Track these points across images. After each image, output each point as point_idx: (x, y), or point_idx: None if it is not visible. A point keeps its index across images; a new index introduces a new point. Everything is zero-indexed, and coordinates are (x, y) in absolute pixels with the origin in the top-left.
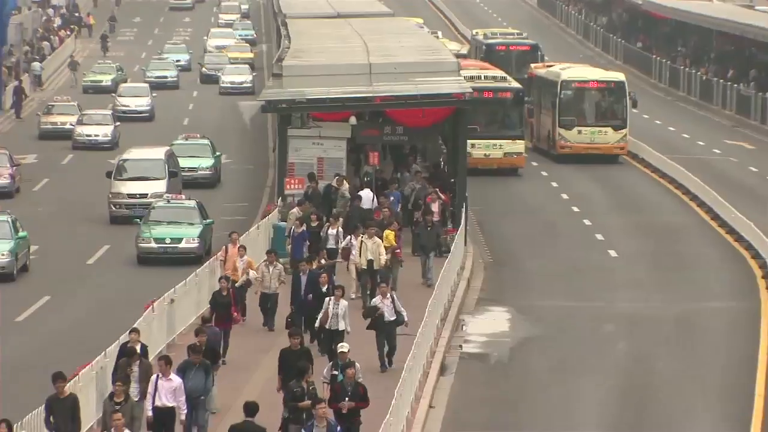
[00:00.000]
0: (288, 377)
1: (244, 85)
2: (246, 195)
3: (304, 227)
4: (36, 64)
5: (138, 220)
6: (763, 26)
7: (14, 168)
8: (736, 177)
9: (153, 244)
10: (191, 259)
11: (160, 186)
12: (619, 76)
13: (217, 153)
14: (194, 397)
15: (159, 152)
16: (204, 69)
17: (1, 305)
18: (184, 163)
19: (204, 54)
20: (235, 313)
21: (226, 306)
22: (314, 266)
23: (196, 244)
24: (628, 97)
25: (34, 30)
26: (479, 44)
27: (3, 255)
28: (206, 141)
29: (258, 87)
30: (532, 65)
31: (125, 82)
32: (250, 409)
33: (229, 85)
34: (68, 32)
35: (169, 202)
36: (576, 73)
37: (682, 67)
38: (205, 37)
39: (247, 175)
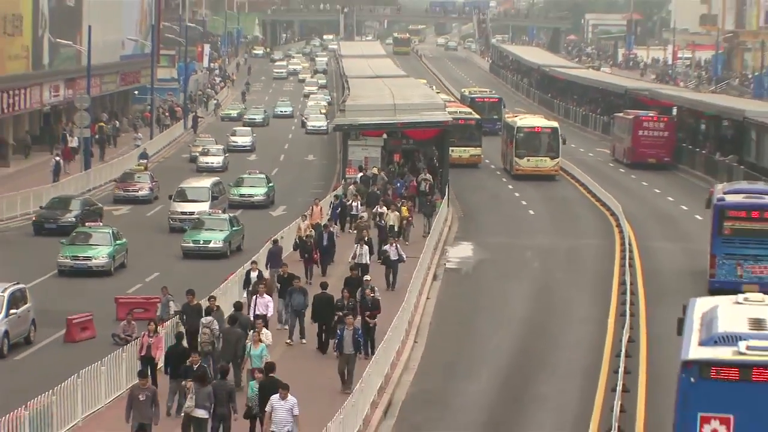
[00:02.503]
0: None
1: (321, 128)
2: (323, 177)
3: (338, 201)
4: (212, 102)
5: (186, 228)
6: (613, 82)
7: (153, 183)
8: (601, 169)
9: (191, 245)
10: (218, 255)
11: (205, 206)
12: (555, 124)
13: (270, 184)
14: (297, 310)
15: (207, 182)
16: (304, 119)
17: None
18: (245, 191)
19: (306, 110)
20: (315, 255)
21: (309, 251)
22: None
23: (221, 245)
24: (560, 138)
25: (204, 83)
26: (466, 97)
27: (103, 257)
28: (263, 175)
29: (329, 128)
30: (504, 114)
31: (266, 114)
32: (323, 284)
33: (312, 127)
34: (222, 85)
35: (210, 215)
36: (527, 122)
37: (571, 107)
38: (305, 99)
39: (324, 167)
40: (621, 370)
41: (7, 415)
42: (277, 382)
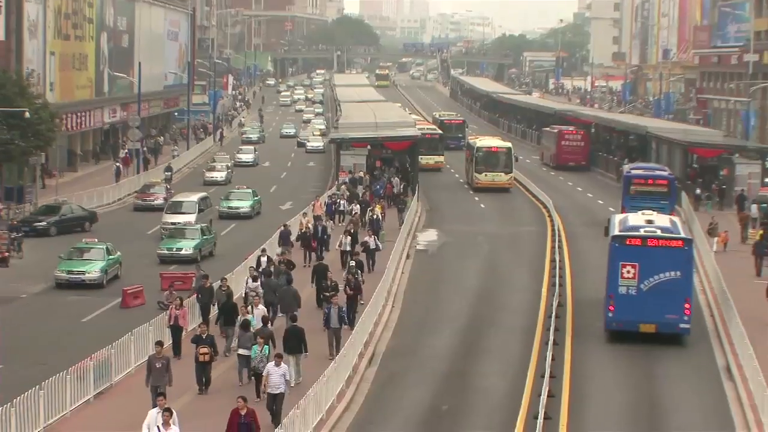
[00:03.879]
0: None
1: (319, 147)
2: (321, 179)
3: (331, 200)
4: (238, 118)
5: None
6: (545, 104)
7: (168, 193)
8: (536, 172)
9: (165, 251)
10: (189, 260)
11: (192, 218)
12: (509, 144)
13: (257, 198)
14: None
15: (194, 197)
16: (299, 139)
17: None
18: (234, 204)
19: (303, 133)
20: (314, 244)
21: (308, 240)
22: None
23: (191, 252)
24: (513, 156)
25: (228, 107)
26: (437, 119)
27: (95, 271)
28: (249, 190)
29: (326, 149)
30: (468, 135)
31: (262, 133)
32: (320, 257)
33: (311, 147)
34: (243, 108)
35: (184, 225)
36: (485, 143)
37: (513, 124)
38: (305, 124)
39: (321, 171)
40: (552, 328)
41: (76, 365)
42: (299, 330)
